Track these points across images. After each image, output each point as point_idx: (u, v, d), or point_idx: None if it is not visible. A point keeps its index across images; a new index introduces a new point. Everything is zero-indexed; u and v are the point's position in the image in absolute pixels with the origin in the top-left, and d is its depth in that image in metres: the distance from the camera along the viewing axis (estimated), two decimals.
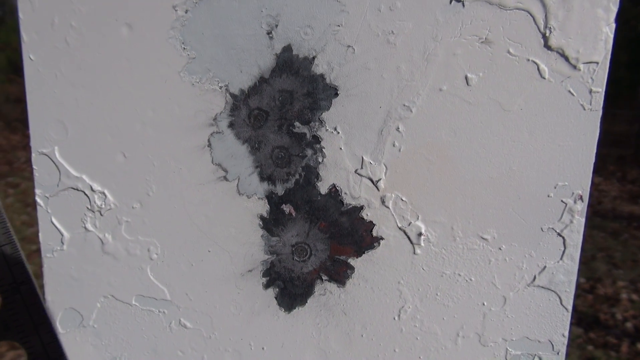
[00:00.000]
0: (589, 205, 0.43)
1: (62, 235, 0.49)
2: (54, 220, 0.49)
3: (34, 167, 0.48)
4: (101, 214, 0.48)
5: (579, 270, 0.45)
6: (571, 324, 0.46)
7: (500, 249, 0.46)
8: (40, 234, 0.50)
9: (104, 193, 0.48)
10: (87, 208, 0.48)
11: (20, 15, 0.44)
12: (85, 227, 0.49)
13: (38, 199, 0.49)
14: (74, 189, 0.48)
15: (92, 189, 0.48)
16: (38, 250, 0.50)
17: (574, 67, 0.41)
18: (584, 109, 0.42)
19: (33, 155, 0.48)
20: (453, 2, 0.41)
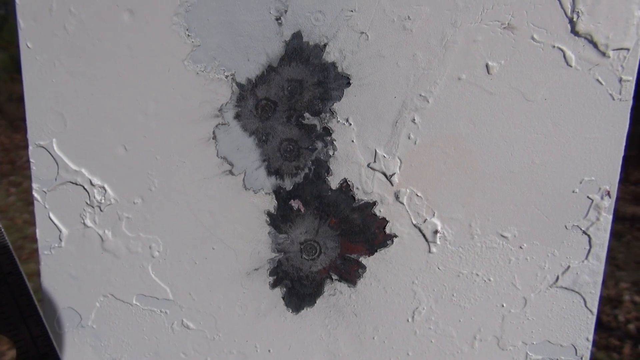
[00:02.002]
0: (617, 202, 0.41)
1: (60, 231, 0.48)
2: (51, 215, 0.47)
3: (31, 160, 0.46)
4: (101, 210, 0.47)
5: (605, 270, 0.42)
6: (596, 327, 0.44)
7: (521, 247, 0.44)
8: (37, 230, 0.48)
9: (104, 187, 0.46)
10: (87, 203, 0.47)
11: (17, 0, 0.43)
12: (84, 223, 0.47)
13: (35, 194, 0.47)
14: (72, 183, 0.46)
15: (91, 183, 0.46)
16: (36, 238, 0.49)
17: (603, 54, 0.39)
18: (613, 99, 0.40)
19: (30, 147, 0.46)
20: None
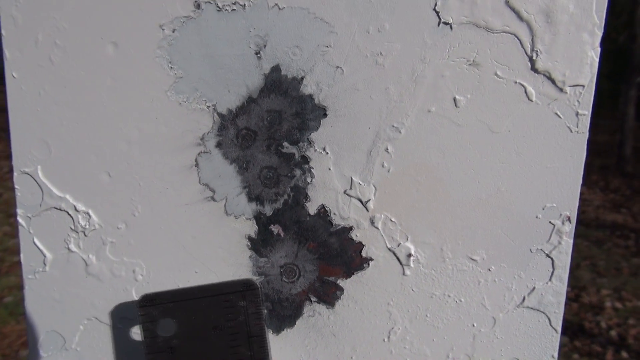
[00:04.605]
0: (577, 226, 0.44)
1: (44, 256, 0.48)
2: (36, 241, 0.48)
3: (16, 186, 0.47)
4: (85, 235, 0.47)
5: (567, 291, 0.45)
6: (560, 345, 0.46)
7: (489, 270, 0.46)
8: (21, 255, 0.48)
9: (88, 213, 0.47)
10: (71, 228, 0.47)
11: (3, 32, 0.44)
12: (68, 248, 0.48)
13: (20, 219, 0.47)
14: (57, 209, 0.47)
15: (75, 209, 0.47)
16: (21, 263, 0.49)
17: (561, 90, 0.42)
18: (571, 131, 0.42)
19: (15, 174, 0.47)
20: (441, 24, 0.42)
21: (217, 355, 0.43)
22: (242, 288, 0.44)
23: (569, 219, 0.44)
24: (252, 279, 0.45)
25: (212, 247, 0.47)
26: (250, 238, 0.47)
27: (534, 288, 0.46)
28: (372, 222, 0.46)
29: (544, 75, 0.41)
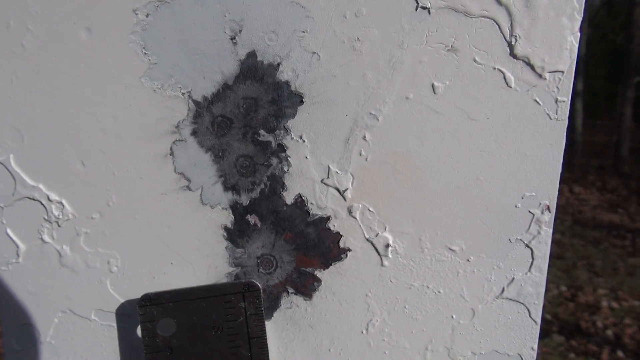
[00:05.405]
0: (557, 215, 0.43)
1: (17, 247, 0.47)
2: (8, 231, 0.47)
3: None
4: (59, 225, 0.47)
5: (547, 281, 0.44)
6: (540, 337, 0.45)
7: (468, 260, 0.45)
8: None
9: (61, 203, 0.46)
10: (44, 219, 0.47)
11: None
12: (42, 239, 0.47)
13: None
14: (30, 198, 0.46)
15: (49, 199, 0.46)
16: None
17: (540, 76, 0.41)
18: (550, 119, 0.42)
19: None
20: (419, 9, 0.41)
21: (216, 356, 0.44)
22: (242, 289, 0.44)
23: (548, 208, 0.43)
24: (253, 280, 0.45)
25: (188, 237, 0.46)
26: (226, 228, 0.46)
27: (514, 279, 0.45)
28: (349, 212, 0.45)
29: (523, 60, 0.41)
